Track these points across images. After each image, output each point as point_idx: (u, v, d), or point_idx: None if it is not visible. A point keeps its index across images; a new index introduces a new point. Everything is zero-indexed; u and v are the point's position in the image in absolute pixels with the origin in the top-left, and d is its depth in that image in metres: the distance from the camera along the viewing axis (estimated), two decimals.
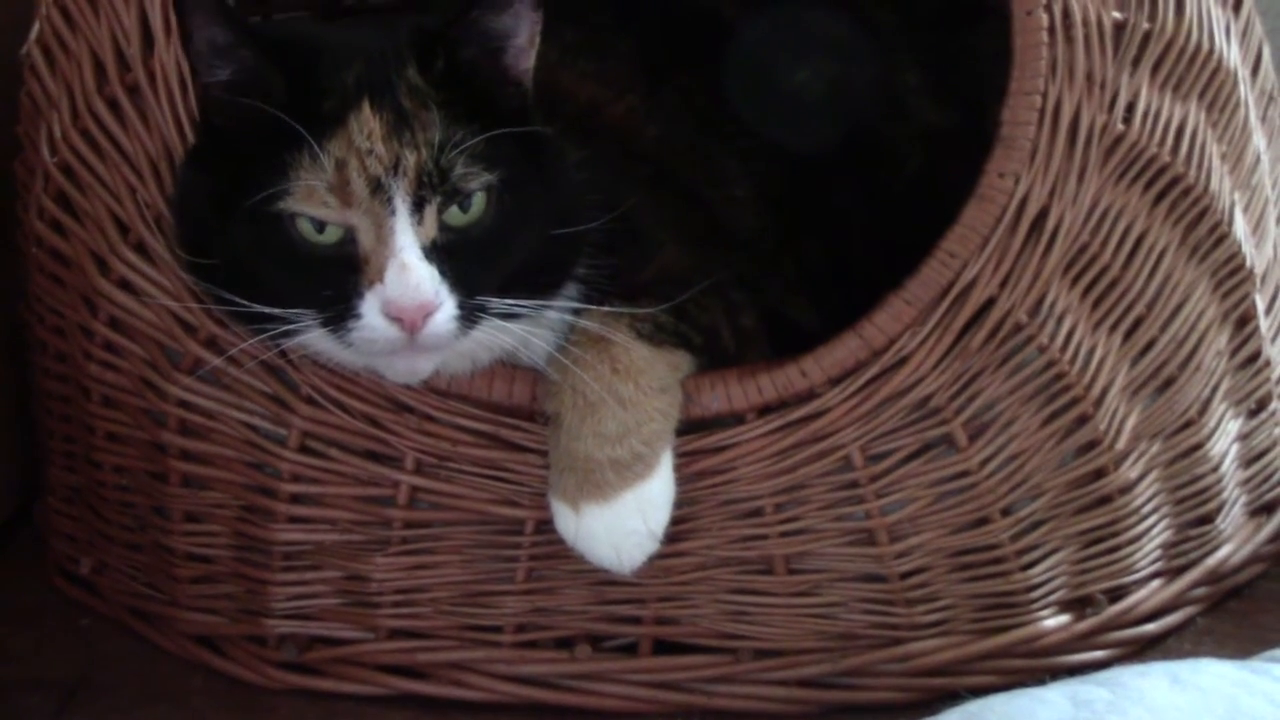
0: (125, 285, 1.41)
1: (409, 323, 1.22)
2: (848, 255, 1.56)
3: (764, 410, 1.38)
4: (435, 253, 1.24)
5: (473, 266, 1.26)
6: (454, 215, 1.25)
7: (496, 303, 1.26)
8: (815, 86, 1.62)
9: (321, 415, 1.39)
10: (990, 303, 1.36)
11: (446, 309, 1.24)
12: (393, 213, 1.23)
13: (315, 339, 1.27)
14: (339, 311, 1.24)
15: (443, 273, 1.24)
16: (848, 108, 1.62)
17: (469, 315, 1.25)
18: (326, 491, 1.42)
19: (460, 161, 1.25)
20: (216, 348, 1.38)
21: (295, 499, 1.42)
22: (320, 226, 1.23)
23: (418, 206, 1.23)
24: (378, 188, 1.23)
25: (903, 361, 1.36)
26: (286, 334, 1.26)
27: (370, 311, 1.23)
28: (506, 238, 1.28)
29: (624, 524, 1.33)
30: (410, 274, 1.22)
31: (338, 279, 1.24)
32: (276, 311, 1.25)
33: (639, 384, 1.33)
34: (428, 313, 1.23)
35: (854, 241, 1.57)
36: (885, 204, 1.58)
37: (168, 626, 1.51)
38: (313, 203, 1.23)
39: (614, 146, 1.49)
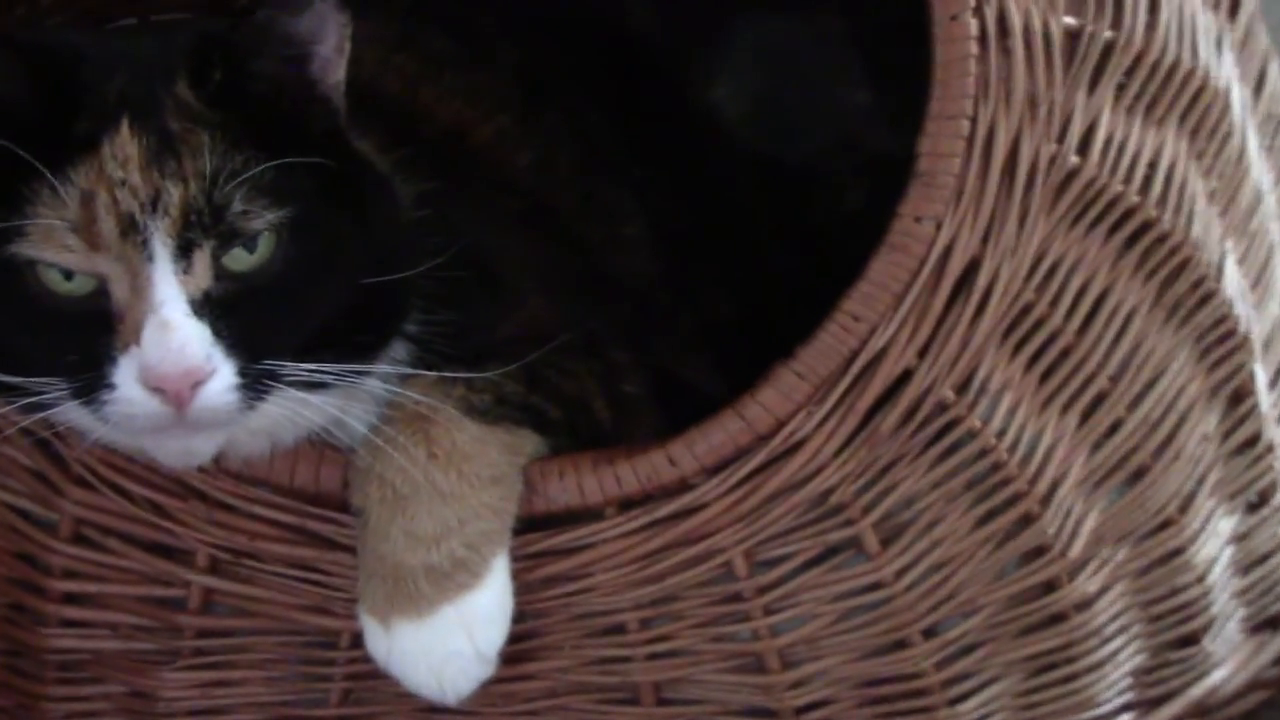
0: None
1: (173, 394, 0.98)
2: (766, 307, 1.30)
3: (626, 504, 1.12)
4: (208, 307, 1.00)
5: (259, 323, 1.01)
6: (236, 260, 1.01)
7: (292, 369, 1.02)
8: (735, 104, 1.36)
9: (96, 500, 1.15)
10: (906, 376, 1.10)
11: (222, 377, 0.99)
12: (150, 258, 0.99)
13: (71, 413, 1.03)
14: (89, 380, 1.00)
15: (217, 332, 0.99)
16: (775, 131, 1.37)
17: (254, 385, 1.01)
18: (105, 590, 1.17)
19: (239, 196, 1.00)
20: None
21: (68, 599, 1.18)
22: (68, 273, 1.00)
23: (184, 251, 0.99)
24: (131, 227, 0.98)
25: (795, 448, 1.10)
26: (35, 406, 1.02)
27: (126, 380, 0.99)
28: (303, 287, 1.03)
29: (444, 644, 1.09)
30: (173, 334, 0.98)
31: (88, 340, 1.00)
32: (16, 381, 1.01)
33: (462, 472, 1.08)
34: (196, 381, 0.98)
35: (774, 291, 1.31)
36: (816, 246, 1.32)
37: None
38: (51, 245, 0.99)
39: (477, 177, 1.24)
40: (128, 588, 1.17)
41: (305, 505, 1.13)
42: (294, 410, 1.05)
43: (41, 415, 1.03)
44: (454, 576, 1.08)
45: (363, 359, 1.06)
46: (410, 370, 1.09)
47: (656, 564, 1.13)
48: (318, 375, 1.03)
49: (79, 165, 0.99)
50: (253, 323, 1.01)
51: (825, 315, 1.11)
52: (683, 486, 1.11)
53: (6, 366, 1.01)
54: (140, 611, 1.17)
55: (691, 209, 1.32)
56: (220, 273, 1.00)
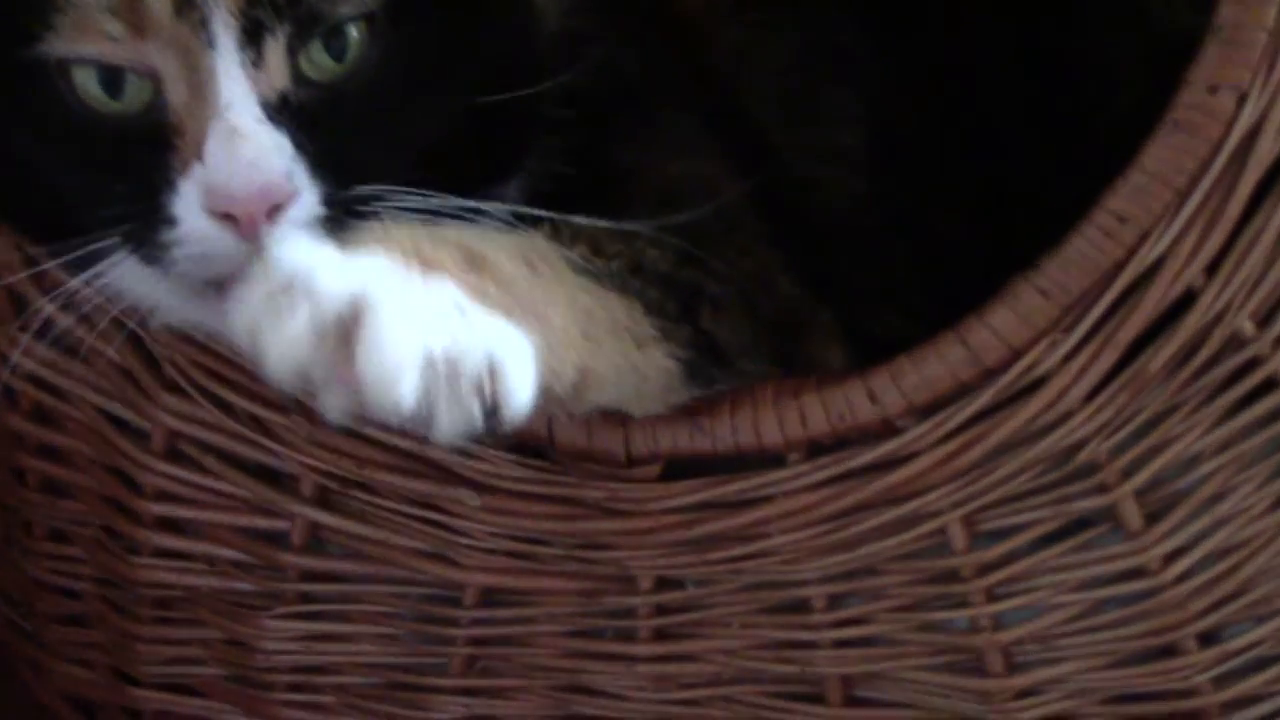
0: None
1: (246, 219, 0.78)
2: (1004, 230, 1.02)
3: (814, 450, 0.88)
4: (287, 114, 0.79)
5: (349, 140, 0.80)
6: (319, 61, 0.80)
7: (389, 198, 0.80)
8: None
9: (192, 409, 0.96)
10: (1188, 300, 0.83)
11: (304, 204, 0.79)
12: (210, 44, 0.78)
13: (129, 276, 0.84)
14: (145, 221, 0.80)
15: (299, 145, 0.79)
16: (1044, 13, 1.09)
17: (342, 215, 0.79)
18: (202, 517, 0.99)
19: None
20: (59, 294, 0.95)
21: (162, 523, 1.00)
22: (113, 84, 0.79)
23: (252, 37, 0.78)
24: (187, 3, 0.77)
25: (1034, 388, 0.85)
26: (85, 263, 0.82)
27: (189, 210, 0.79)
28: (404, 98, 0.82)
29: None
30: (243, 143, 0.77)
31: (141, 168, 0.80)
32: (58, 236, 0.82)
33: (555, 271, 0.80)
34: (274, 203, 0.78)
35: (1017, 210, 1.04)
36: (1077, 151, 1.04)
37: (41, 676, 1.11)
38: (87, 35, 0.78)
39: (669, 58, 1.00)
40: (226, 515, 0.98)
41: None
42: None
43: (103, 282, 0.84)
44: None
45: (475, 191, 0.82)
46: (526, 210, 0.84)
47: (850, 527, 0.88)
48: (420, 206, 0.80)
49: None
50: (342, 139, 0.80)
51: None
52: (886, 430, 0.87)
53: (47, 214, 0.83)
54: (240, 545, 0.98)
55: (924, 108, 1.05)
56: (299, 76, 0.80)
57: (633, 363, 0.81)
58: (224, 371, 0.95)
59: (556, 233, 0.82)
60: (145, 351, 0.96)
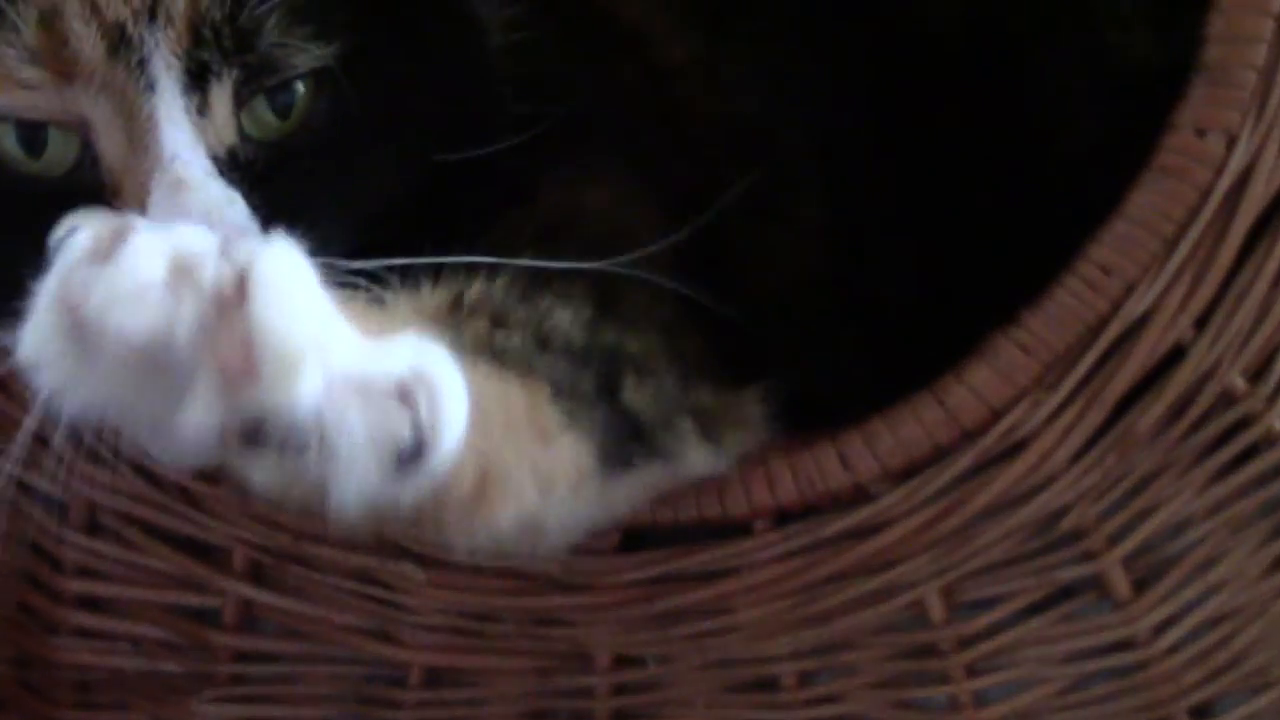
0: None
1: None
2: (970, 287, 0.96)
3: (781, 518, 0.83)
4: (236, 172, 0.73)
5: (298, 204, 0.74)
6: (261, 117, 0.74)
7: (342, 268, 0.71)
8: (946, 8, 1.04)
9: (112, 479, 0.90)
10: (1177, 355, 0.79)
11: None
12: (150, 87, 0.71)
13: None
14: None
15: (253, 207, 0.72)
16: (992, 43, 1.03)
17: None
18: (125, 595, 0.93)
19: (274, 21, 0.72)
20: None
21: (82, 602, 0.94)
22: (33, 141, 0.73)
23: (197, 80, 0.71)
24: (122, 43, 0.71)
25: (1016, 450, 0.81)
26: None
27: None
28: (358, 155, 0.76)
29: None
30: (192, 195, 0.70)
31: None
32: None
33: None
34: None
35: (976, 263, 0.98)
36: (1030, 199, 0.97)
37: None
38: (4, 86, 0.71)
39: (645, 140, 0.93)
40: (152, 592, 0.93)
41: None
42: None
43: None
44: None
45: (429, 250, 0.74)
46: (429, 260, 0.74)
47: (821, 599, 0.84)
48: (368, 275, 0.72)
49: None
50: (291, 204, 0.73)
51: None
52: (859, 496, 0.82)
53: None
54: (167, 624, 0.93)
55: (888, 171, 0.99)
56: (245, 133, 0.73)
57: (534, 459, 0.70)
58: None
59: (456, 304, 0.74)
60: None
